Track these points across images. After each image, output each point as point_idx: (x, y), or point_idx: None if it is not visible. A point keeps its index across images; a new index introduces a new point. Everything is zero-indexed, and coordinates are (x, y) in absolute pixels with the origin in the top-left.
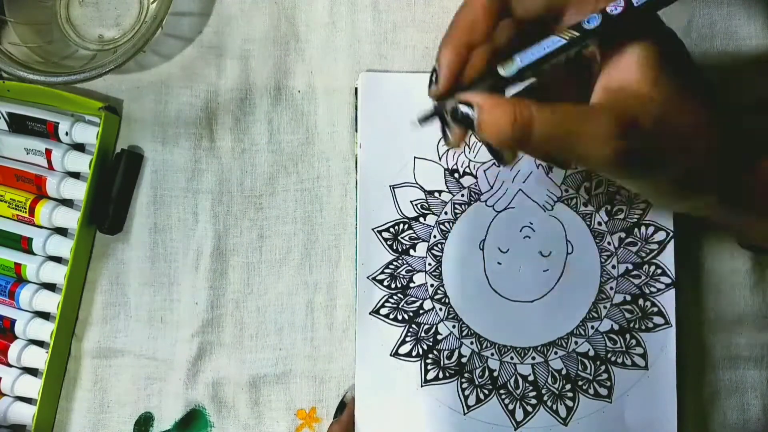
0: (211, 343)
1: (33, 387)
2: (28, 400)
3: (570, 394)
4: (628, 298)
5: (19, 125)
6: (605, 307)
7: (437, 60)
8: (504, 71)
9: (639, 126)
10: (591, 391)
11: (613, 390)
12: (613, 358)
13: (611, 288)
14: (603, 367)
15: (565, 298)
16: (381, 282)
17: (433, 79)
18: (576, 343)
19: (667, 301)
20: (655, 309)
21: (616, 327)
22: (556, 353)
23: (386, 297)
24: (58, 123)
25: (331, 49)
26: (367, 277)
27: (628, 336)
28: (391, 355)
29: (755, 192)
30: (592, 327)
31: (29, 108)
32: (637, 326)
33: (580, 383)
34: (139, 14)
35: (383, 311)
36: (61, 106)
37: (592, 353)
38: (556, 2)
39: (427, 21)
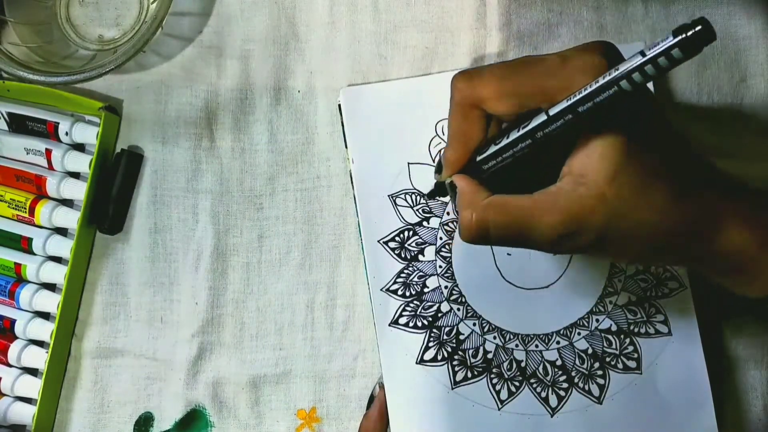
0: (211, 343)
1: (33, 387)
2: (28, 400)
3: (600, 372)
4: (641, 267)
5: (19, 125)
6: (620, 281)
7: (444, 157)
8: (478, 160)
9: (585, 226)
10: (620, 365)
11: (641, 361)
12: (635, 330)
13: None
14: (627, 340)
15: (579, 277)
16: (395, 292)
17: (437, 167)
18: (597, 320)
19: None
20: (668, 274)
21: (633, 298)
22: (579, 334)
23: (403, 306)
24: (58, 123)
25: (331, 49)
26: (381, 290)
27: (647, 305)
28: (416, 363)
29: (715, 262)
30: (611, 302)
31: (29, 108)
32: (654, 294)
33: (607, 359)
34: (139, 14)
35: (402, 320)
36: (61, 106)
37: (614, 328)
38: (527, 103)
39: (427, 21)
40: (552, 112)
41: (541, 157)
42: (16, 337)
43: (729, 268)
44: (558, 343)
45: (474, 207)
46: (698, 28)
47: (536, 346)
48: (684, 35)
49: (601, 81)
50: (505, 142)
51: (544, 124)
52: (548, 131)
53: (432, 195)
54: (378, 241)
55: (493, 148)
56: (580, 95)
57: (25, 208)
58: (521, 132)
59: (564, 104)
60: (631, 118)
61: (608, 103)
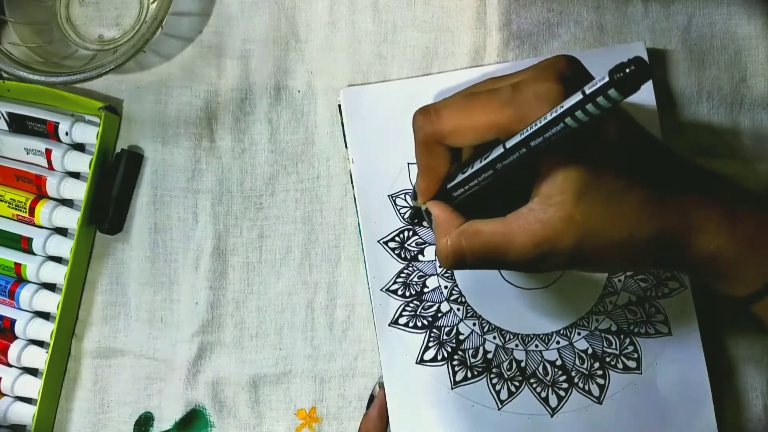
0: (211, 343)
1: (33, 387)
2: (28, 400)
3: (600, 372)
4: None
5: (19, 125)
6: (620, 281)
7: (416, 185)
8: (448, 188)
9: (556, 247)
10: (620, 365)
11: (641, 361)
12: (635, 330)
13: None
14: (627, 340)
15: (579, 277)
16: (395, 292)
17: (413, 195)
18: (597, 320)
19: None
20: (669, 274)
21: (633, 298)
22: (579, 334)
23: (403, 306)
24: (58, 123)
25: (331, 49)
26: (381, 290)
27: (647, 305)
28: (416, 363)
29: (693, 266)
30: (611, 302)
31: (29, 108)
32: (654, 294)
33: (607, 359)
34: (139, 14)
35: (402, 320)
36: (61, 106)
37: (614, 328)
38: (485, 137)
39: (427, 21)
40: (508, 145)
41: (512, 179)
42: (16, 337)
43: (708, 271)
44: (558, 343)
45: (449, 235)
46: (632, 68)
47: (536, 346)
48: (619, 75)
49: (549, 117)
50: (469, 172)
51: (501, 157)
52: (507, 163)
53: (412, 218)
54: (378, 241)
55: (459, 177)
56: (530, 131)
57: (25, 208)
58: (482, 163)
59: (517, 138)
60: (592, 134)
61: (559, 137)
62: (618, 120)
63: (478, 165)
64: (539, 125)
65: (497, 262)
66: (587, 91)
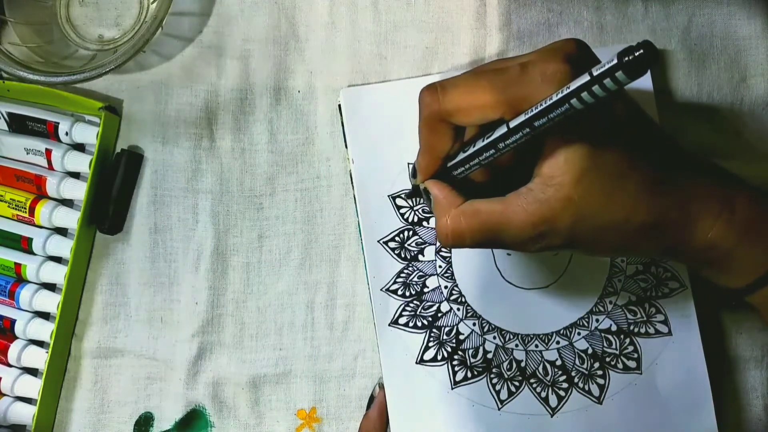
0: (211, 343)
1: (33, 387)
2: (28, 400)
3: (600, 372)
4: (641, 267)
5: (19, 125)
6: (620, 281)
7: (417, 163)
8: (448, 166)
9: (554, 227)
10: (620, 365)
11: (641, 361)
12: (636, 330)
13: (622, 260)
14: (628, 340)
15: (579, 277)
16: (395, 292)
17: (412, 172)
18: (597, 320)
19: (679, 265)
20: (669, 274)
21: (633, 298)
22: (579, 334)
23: (403, 306)
24: (58, 123)
25: (331, 49)
26: (381, 290)
27: (647, 305)
28: (416, 363)
29: (690, 255)
30: (611, 302)
31: (29, 108)
32: (654, 294)
33: (607, 359)
34: (139, 14)
35: (402, 320)
36: (61, 106)
37: (614, 328)
38: (490, 115)
39: (427, 21)
40: (512, 124)
41: (514, 158)
42: (16, 337)
43: (705, 260)
44: (558, 343)
45: (448, 214)
46: (641, 51)
47: (536, 346)
48: (627, 58)
49: (555, 98)
50: (471, 150)
51: (504, 136)
52: (509, 142)
53: (410, 195)
54: (378, 241)
55: (460, 156)
56: (535, 111)
57: (25, 208)
58: (485, 142)
59: (522, 118)
60: (595, 117)
61: (564, 118)
62: (623, 105)
63: (480, 144)
64: (545, 105)
65: (495, 241)
66: (595, 73)
